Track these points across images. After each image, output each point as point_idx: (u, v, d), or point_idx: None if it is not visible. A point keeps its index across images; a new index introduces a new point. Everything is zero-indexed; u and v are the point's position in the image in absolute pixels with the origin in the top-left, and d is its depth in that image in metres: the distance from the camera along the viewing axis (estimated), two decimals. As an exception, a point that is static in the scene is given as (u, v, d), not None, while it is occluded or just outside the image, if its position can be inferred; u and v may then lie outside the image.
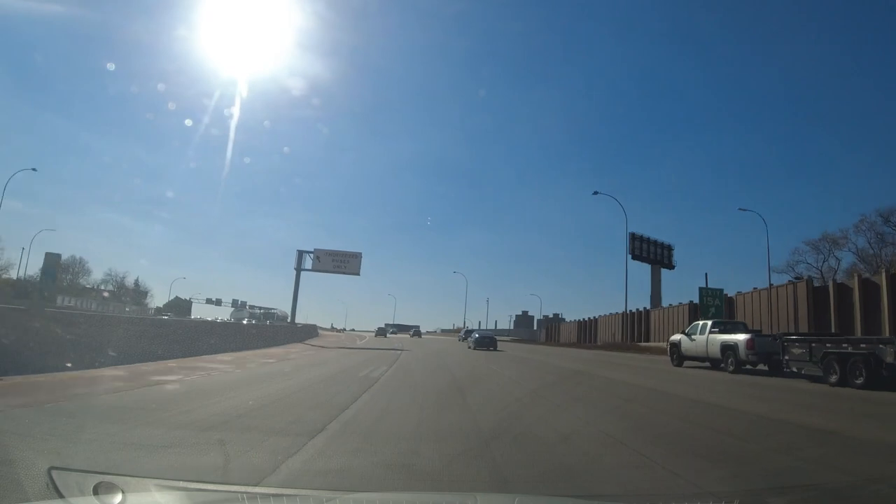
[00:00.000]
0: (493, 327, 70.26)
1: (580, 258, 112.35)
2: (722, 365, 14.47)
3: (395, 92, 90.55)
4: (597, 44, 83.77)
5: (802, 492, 3.15)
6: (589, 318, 49.37)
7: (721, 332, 14.99)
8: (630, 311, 37.63)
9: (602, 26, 78.55)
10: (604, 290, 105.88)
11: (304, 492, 2.73)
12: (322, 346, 23.76)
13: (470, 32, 76.30)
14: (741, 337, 13.90)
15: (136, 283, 73.38)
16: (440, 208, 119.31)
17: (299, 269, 29.88)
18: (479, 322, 71.65)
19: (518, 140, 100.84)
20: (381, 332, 56.71)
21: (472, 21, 75.92)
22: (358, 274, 30.99)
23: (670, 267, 44.06)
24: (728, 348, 14.02)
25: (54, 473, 2.29)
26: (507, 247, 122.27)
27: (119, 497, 1.77)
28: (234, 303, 74.57)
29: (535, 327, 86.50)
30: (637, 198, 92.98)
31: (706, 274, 31.17)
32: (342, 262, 30.89)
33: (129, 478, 2.56)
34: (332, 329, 79.73)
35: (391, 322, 79.60)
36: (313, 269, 30.79)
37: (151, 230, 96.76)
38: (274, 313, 74.00)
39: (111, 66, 61.05)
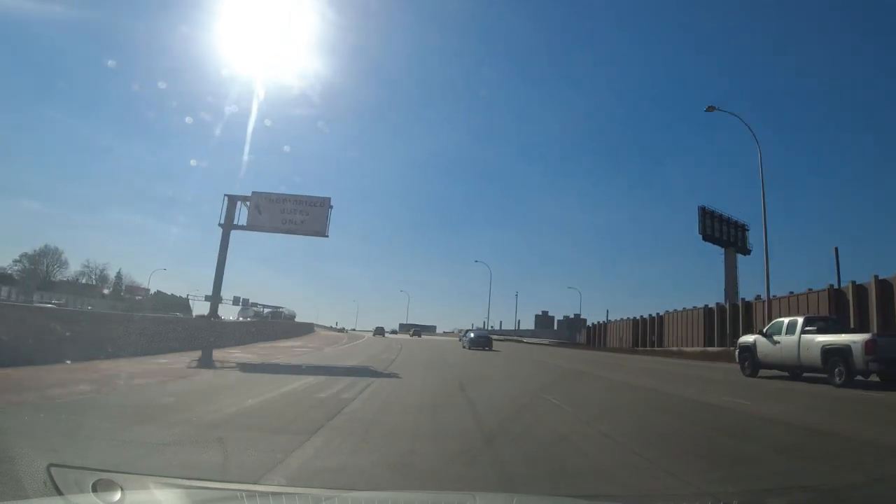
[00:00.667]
0: (517, 328, 73.15)
1: (611, 255, 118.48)
2: (803, 374, 13.28)
3: (410, 91, 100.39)
4: (615, 40, 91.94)
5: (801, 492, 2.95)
6: (650, 316, 44.17)
7: (819, 331, 13.15)
8: (714, 304, 33.67)
9: (616, 22, 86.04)
10: (652, 285, 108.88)
11: (302, 490, 2.96)
12: (221, 363, 13.60)
13: (487, 33, 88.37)
14: (857, 338, 11.86)
15: (119, 275, 76.63)
16: (461, 207, 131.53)
17: (229, 226, 20.52)
18: (501, 322, 75.93)
19: (542, 139, 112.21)
20: (378, 332, 59.89)
21: (487, 22, 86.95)
22: (325, 234, 21.20)
23: (745, 251, 41.08)
24: (834, 353, 12.08)
25: (53, 471, 2.53)
26: (531, 246, 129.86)
27: (118, 494, 1.97)
28: (236, 300, 77.53)
29: (555, 327, 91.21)
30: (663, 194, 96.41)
31: (836, 248, 26.07)
32: (297, 216, 20.85)
33: (128, 475, 2.82)
34: (332, 328, 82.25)
35: (405, 322, 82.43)
36: (249, 227, 21.31)
37: (148, 225, 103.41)
38: (281, 312, 76.65)
39: (112, 64, 66.32)
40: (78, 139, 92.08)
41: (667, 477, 3.90)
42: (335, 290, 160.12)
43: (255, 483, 3.18)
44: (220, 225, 21.17)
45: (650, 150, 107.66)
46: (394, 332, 72.37)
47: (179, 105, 66.84)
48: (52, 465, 2.65)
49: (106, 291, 71.01)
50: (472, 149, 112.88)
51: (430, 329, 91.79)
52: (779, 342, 13.90)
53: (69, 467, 2.92)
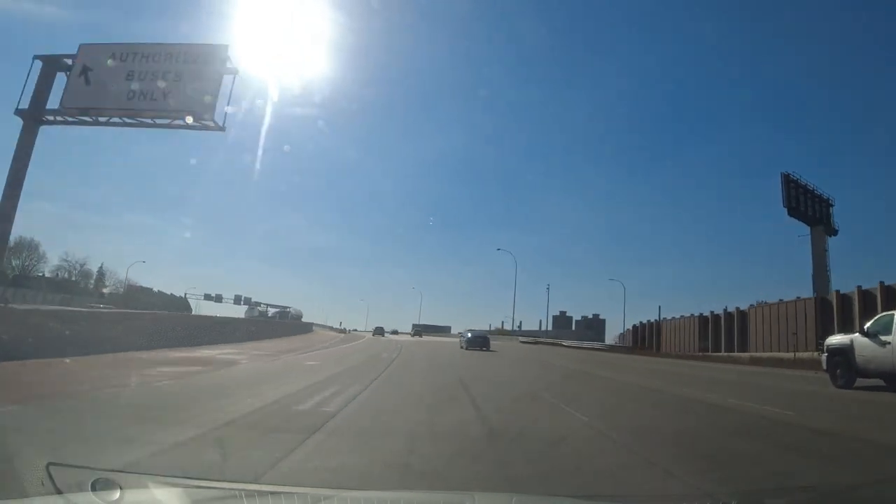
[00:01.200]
0: (539, 328, 76.23)
1: (627, 254, 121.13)
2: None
3: (419, 91, 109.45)
4: (625, 41, 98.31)
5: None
6: (726, 312, 40.77)
7: None
8: (833, 293, 30.51)
9: (626, 23, 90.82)
10: (697, 280, 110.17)
11: (301, 489, 3.19)
12: None
13: (502, 35, 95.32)
14: None
15: (101, 270, 79.09)
16: (473, 207, 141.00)
17: (37, 112, 14.11)
18: (521, 322, 79.09)
19: (556, 137, 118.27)
20: (378, 332, 66.02)
21: (501, 24, 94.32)
22: (213, 123, 14.98)
23: (832, 232, 38.41)
24: None
25: (52, 469, 2.75)
26: (542, 245, 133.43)
27: (117, 493, 2.17)
28: (238, 299, 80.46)
29: (573, 328, 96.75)
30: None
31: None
32: (157, 83, 13.70)
33: (127, 474, 3.07)
34: (334, 328, 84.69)
35: (418, 321, 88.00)
36: (66, 114, 14.48)
37: (148, 224, 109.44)
38: (288, 312, 79.27)
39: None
40: (79, 139, 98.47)
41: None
42: (346, 291, 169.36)
43: (254, 482, 3.43)
44: (17, 113, 13.88)
45: (653, 147, 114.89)
46: (395, 332, 76.68)
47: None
48: (50, 463, 2.90)
49: (105, 291, 74.20)
50: (483, 149, 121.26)
51: (445, 330, 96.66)
52: (888, 343, 12.53)
53: (68, 466, 3.19)
